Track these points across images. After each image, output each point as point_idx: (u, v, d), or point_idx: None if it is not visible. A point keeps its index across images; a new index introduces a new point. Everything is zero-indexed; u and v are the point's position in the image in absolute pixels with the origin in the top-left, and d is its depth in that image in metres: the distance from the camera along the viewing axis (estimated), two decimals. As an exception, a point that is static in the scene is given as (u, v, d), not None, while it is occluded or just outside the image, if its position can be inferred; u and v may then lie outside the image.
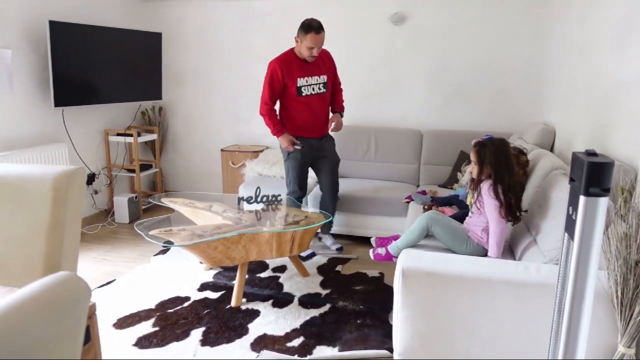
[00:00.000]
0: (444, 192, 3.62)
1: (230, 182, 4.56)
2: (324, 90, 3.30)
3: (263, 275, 3.15)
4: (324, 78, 3.30)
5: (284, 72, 3.20)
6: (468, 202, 2.96)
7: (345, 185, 3.76)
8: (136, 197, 4.26)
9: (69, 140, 3.92)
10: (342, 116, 3.45)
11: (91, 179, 4.17)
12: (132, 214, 4.22)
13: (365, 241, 3.71)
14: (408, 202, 3.52)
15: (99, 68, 4.01)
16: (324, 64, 3.32)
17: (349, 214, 3.70)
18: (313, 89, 3.24)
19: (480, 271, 1.83)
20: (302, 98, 3.24)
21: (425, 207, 3.16)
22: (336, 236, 3.79)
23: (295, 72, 3.20)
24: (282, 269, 3.23)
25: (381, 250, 2.69)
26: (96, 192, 4.23)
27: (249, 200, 3.10)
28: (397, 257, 2.58)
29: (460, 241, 2.49)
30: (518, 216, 2.42)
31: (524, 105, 4.05)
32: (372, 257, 2.72)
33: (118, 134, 4.36)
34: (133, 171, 4.42)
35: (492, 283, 1.80)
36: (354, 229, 3.75)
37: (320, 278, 3.10)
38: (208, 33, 4.70)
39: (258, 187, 3.13)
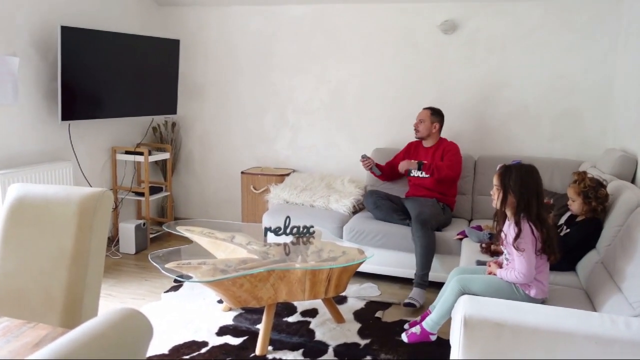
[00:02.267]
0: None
1: (251, 209, 4.63)
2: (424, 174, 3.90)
3: (291, 319, 3.15)
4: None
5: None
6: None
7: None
8: (144, 224, 4.36)
9: (74, 158, 4.06)
10: (419, 167, 3.89)
11: (96, 202, 4.28)
12: (139, 244, 4.30)
13: (409, 282, 3.69)
14: (461, 239, 3.51)
15: (110, 78, 4.18)
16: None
17: (391, 251, 3.70)
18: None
19: (559, 323, 1.81)
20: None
21: (483, 245, 3.14)
22: (373, 276, 3.79)
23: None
24: (312, 312, 3.23)
25: (415, 329, 2.67)
26: (100, 218, 4.34)
27: (276, 232, 3.14)
28: (434, 334, 2.60)
29: (507, 293, 2.43)
30: (556, 251, 2.41)
31: (595, 129, 4.03)
32: (405, 339, 2.71)
33: (127, 152, 4.50)
34: (141, 194, 4.53)
35: (573, 338, 1.77)
36: (396, 269, 3.74)
37: (358, 325, 3.09)
38: (230, 42, 4.86)
39: (288, 217, 3.17)
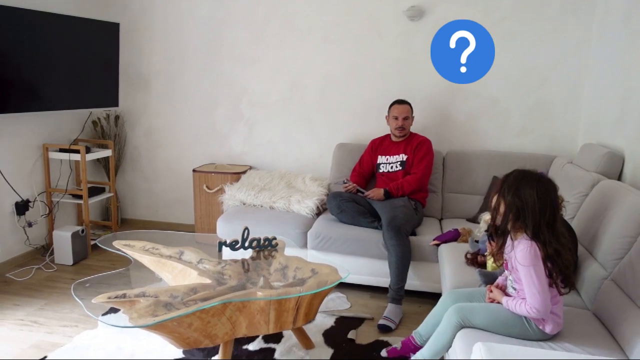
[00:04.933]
0: (475, 228, 3.01)
1: (205, 211, 3.85)
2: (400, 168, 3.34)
3: (252, 347, 2.45)
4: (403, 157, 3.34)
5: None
6: (489, 268, 2.35)
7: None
8: (83, 231, 3.50)
9: (-8, 159, 3.15)
10: (385, 194, 3.23)
11: (23, 207, 3.39)
12: (77, 253, 3.45)
13: (379, 291, 3.07)
14: (438, 245, 2.90)
15: (39, 65, 3.27)
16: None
17: (361, 258, 3.05)
18: (392, 167, 3.36)
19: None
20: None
21: (468, 255, 2.53)
22: (341, 284, 3.12)
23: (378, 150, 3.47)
24: (277, 337, 2.53)
25: None
26: (30, 225, 3.45)
27: (233, 246, 2.42)
28: None
29: (517, 328, 1.83)
30: (572, 280, 1.83)
31: (566, 123, 3.51)
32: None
33: (61, 150, 3.60)
34: (80, 197, 3.66)
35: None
36: (367, 277, 3.09)
37: (330, 351, 2.42)
38: (177, 28, 4.02)
39: (246, 228, 2.45)
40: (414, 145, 3.32)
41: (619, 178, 2.77)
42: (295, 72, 3.87)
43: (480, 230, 2.53)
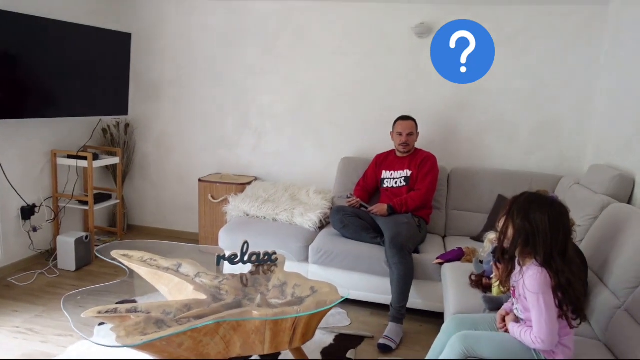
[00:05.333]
0: (480, 247, 2.85)
1: (209, 220, 3.73)
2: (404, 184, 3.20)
3: (247, 364, 2.31)
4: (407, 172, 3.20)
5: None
6: (495, 292, 2.19)
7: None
8: (87, 237, 3.40)
9: (-3, 163, 3.06)
10: (389, 210, 3.10)
11: (29, 212, 3.29)
12: (80, 259, 3.34)
13: (380, 308, 2.92)
14: (441, 264, 2.75)
15: (50, 73, 3.20)
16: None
17: (362, 274, 2.91)
18: (396, 182, 3.21)
19: None
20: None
21: (473, 277, 2.37)
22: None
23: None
24: (274, 354, 2.39)
25: None
26: (35, 230, 3.35)
27: (232, 260, 2.29)
28: None
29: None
30: (584, 314, 1.67)
31: (574, 143, 3.35)
32: None
33: (69, 156, 3.51)
34: (87, 203, 3.56)
35: None
36: (368, 294, 2.94)
37: (327, 371, 2.28)
38: (189, 38, 3.93)
39: (246, 242, 2.33)
40: (419, 161, 3.19)
41: (629, 201, 2.60)
42: (304, 84, 3.76)
43: (484, 250, 2.37)
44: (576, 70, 3.27)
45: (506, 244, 1.69)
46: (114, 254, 2.40)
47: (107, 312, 1.83)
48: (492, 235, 2.31)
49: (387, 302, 2.77)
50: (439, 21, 3.40)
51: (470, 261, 2.65)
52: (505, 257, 1.71)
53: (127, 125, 4.06)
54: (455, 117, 3.52)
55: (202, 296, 2.07)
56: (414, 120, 3.20)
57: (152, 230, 4.23)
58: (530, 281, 1.62)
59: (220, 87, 3.93)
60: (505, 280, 1.79)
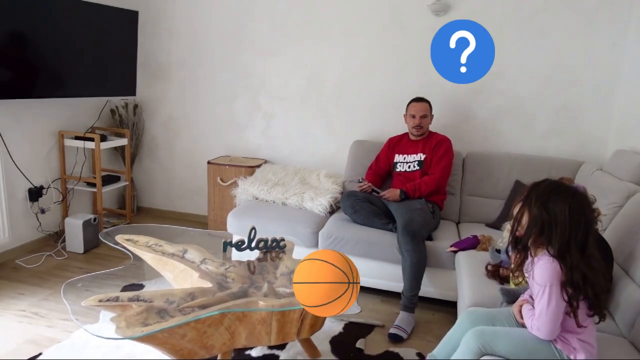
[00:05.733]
0: (498, 237, 2.70)
1: (218, 203, 3.62)
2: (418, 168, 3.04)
3: (254, 353, 2.20)
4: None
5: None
6: (513, 284, 2.04)
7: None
8: (95, 219, 3.30)
9: (1, 144, 2.95)
10: (401, 195, 2.94)
11: (36, 194, 3.20)
12: (88, 242, 3.25)
13: (391, 295, 2.79)
14: (455, 252, 2.60)
15: (61, 52, 3.08)
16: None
17: (374, 261, 2.77)
18: (409, 167, 3.06)
19: None
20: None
21: (489, 267, 2.23)
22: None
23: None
24: (281, 344, 2.29)
25: None
26: (43, 211, 3.27)
27: (239, 246, 2.17)
28: None
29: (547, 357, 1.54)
30: (603, 312, 1.52)
31: (595, 127, 3.15)
32: None
33: (77, 137, 3.40)
34: (95, 185, 3.45)
35: None
36: (379, 281, 2.82)
37: (336, 361, 2.17)
38: (198, 18, 3.76)
39: (253, 228, 2.20)
40: (433, 145, 3.02)
41: (657, 189, 2.42)
42: (314, 66, 3.58)
43: (503, 240, 2.22)
44: (598, 51, 3.04)
45: (519, 232, 1.55)
46: (119, 238, 2.30)
47: (108, 300, 1.72)
48: (508, 225, 2.15)
49: (398, 290, 2.64)
50: (456, -2, 3.18)
51: (486, 250, 2.50)
52: (517, 246, 1.56)
53: (135, 106, 3.93)
54: (470, 100, 3.32)
55: (207, 284, 1.95)
56: (428, 102, 3.02)
57: (162, 213, 4.13)
58: (539, 271, 1.49)
59: (228, 69, 3.77)
60: (516, 269, 1.65)
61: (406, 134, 3.15)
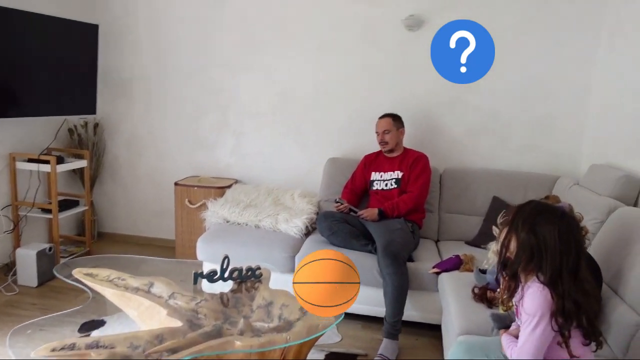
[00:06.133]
0: (483, 256, 2.63)
1: (187, 227, 3.42)
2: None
3: (230, 394, 2.02)
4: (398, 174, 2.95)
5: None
6: (502, 309, 1.96)
7: (346, 243, 2.72)
8: (50, 249, 3.04)
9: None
10: (379, 214, 2.84)
11: (-16, 223, 2.93)
12: (42, 274, 2.98)
13: (372, 321, 2.67)
14: (438, 273, 2.51)
15: (10, 68, 2.84)
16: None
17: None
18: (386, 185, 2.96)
19: None
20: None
21: (476, 290, 2.13)
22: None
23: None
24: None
25: None
26: (-8, 242, 2.99)
27: (211, 277, 2.00)
28: None
29: None
30: (600, 339, 1.46)
31: (569, 141, 3.16)
32: None
33: (30, 160, 3.15)
34: (51, 211, 3.19)
35: None
36: (359, 306, 2.68)
37: (319, 399, 2.02)
38: (162, 30, 3.60)
39: (226, 257, 2.04)
40: (410, 162, 2.95)
41: (635, 204, 2.41)
42: (286, 81, 3.47)
43: (488, 260, 2.14)
44: (570, 65, 3.07)
45: (507, 259, 1.47)
46: (76, 273, 2.08)
47: (62, 348, 1.52)
48: (494, 245, 2.08)
49: (380, 315, 2.52)
50: (430, 13, 3.16)
51: (469, 270, 2.42)
52: (506, 274, 1.47)
53: (95, 125, 3.70)
54: (446, 115, 3.28)
55: (177, 322, 1.77)
56: (391, 116, 2.97)
57: (125, 238, 3.89)
58: (529, 300, 1.41)
59: (196, 84, 3.61)
60: (508, 299, 1.57)
61: (381, 151, 3.07)
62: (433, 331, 2.57)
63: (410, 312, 2.58)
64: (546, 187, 2.97)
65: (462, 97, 3.23)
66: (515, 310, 1.58)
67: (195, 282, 2.00)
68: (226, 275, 2.04)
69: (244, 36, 3.47)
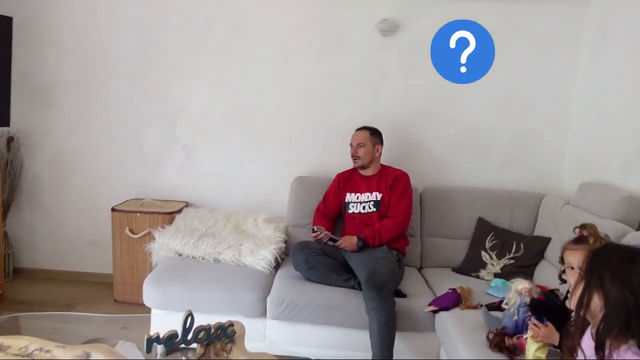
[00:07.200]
0: (475, 285, 2.36)
1: (128, 261, 2.88)
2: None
3: None
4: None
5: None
6: (532, 356, 1.67)
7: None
8: (-52, 299, 2.39)
9: None
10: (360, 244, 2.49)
11: None
12: (-64, 331, 2.32)
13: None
14: (435, 312, 2.20)
15: None
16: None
17: (337, 328, 2.26)
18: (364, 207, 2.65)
19: None
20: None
21: (490, 336, 1.83)
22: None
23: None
24: None
25: None
26: None
27: (169, 343, 1.54)
28: None
29: None
30: None
31: (551, 156, 3.01)
32: None
33: None
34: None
35: None
36: (344, 352, 2.30)
37: None
38: (95, 28, 3.05)
39: (189, 315, 1.58)
40: (390, 181, 2.64)
41: (639, 227, 2.25)
42: (245, 90, 3.05)
43: (510, 303, 1.84)
44: (550, 79, 2.93)
45: (593, 322, 1.16)
46: (-20, 345, 1.53)
47: None
48: (522, 285, 1.79)
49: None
50: (406, 17, 2.89)
51: (471, 307, 2.14)
52: (597, 345, 1.16)
53: (10, 140, 3.06)
54: (423, 129, 3.02)
55: (127, 417, 1.30)
56: (369, 130, 2.67)
57: (49, 274, 3.24)
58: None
59: (136, 92, 3.08)
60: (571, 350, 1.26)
61: (356, 168, 2.74)
62: (429, 378, 2.25)
63: (404, 357, 2.24)
64: (533, 207, 2.78)
65: (440, 109, 2.99)
66: None
67: (148, 349, 1.53)
68: (189, 337, 1.59)
69: (193, 38, 3.01)
